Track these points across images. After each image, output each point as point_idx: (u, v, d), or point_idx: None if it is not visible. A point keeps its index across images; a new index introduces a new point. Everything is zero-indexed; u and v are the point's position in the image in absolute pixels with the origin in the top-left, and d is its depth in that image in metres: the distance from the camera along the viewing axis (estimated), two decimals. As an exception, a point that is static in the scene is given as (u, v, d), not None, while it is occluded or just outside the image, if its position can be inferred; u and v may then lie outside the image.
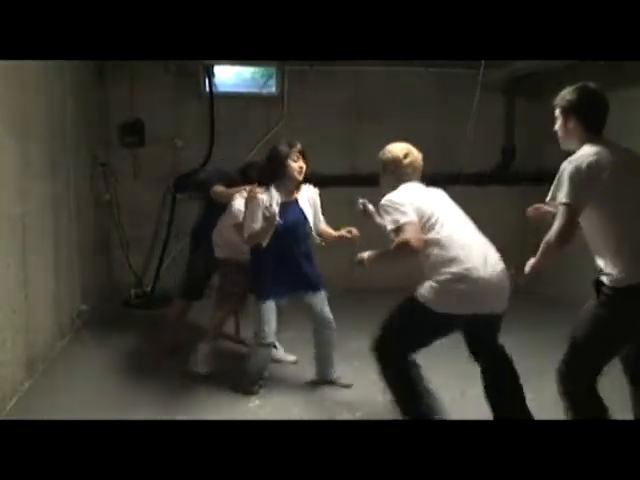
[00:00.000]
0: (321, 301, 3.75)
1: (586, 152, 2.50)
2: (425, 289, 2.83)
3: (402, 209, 2.86)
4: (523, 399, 3.01)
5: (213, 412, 3.43)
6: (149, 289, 6.01)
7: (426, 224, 2.87)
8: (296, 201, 3.63)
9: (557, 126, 2.78)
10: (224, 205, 4.04)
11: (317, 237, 3.72)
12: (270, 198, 3.47)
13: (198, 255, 4.33)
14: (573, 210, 2.44)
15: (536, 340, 4.74)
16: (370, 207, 3.36)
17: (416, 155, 3.21)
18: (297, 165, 3.50)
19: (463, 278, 2.77)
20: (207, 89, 6.20)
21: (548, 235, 2.55)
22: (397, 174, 3.16)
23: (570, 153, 2.65)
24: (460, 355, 4.48)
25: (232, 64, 6.33)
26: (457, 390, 3.79)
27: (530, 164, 6.63)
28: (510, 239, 6.82)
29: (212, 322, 4.16)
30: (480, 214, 7.21)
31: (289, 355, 4.33)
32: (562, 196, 2.46)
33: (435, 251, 2.83)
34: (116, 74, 5.99)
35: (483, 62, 4.64)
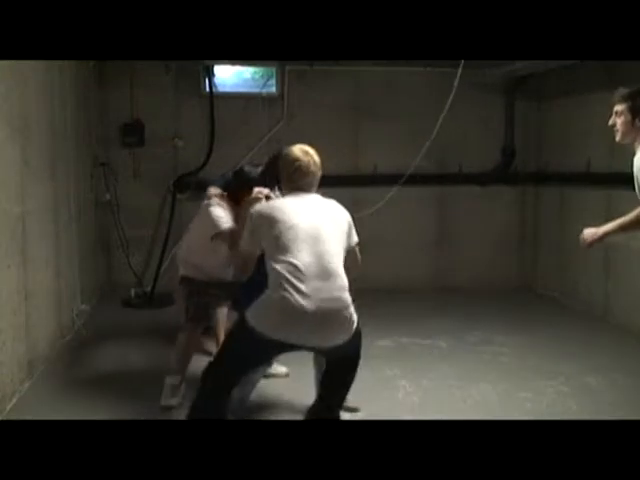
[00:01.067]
0: None
1: None
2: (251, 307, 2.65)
3: (249, 227, 2.71)
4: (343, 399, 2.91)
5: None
6: (149, 289, 6.01)
7: (273, 242, 2.61)
8: None
9: (620, 121, 2.95)
10: None
11: None
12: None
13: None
14: None
15: (536, 340, 4.73)
16: None
17: (306, 160, 2.77)
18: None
19: (278, 303, 2.52)
20: (207, 89, 6.21)
21: None
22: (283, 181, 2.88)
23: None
24: (460, 355, 4.50)
25: (232, 64, 6.33)
26: (457, 390, 3.79)
27: (530, 164, 6.64)
28: (510, 239, 6.86)
29: (177, 353, 3.70)
30: (480, 214, 7.25)
31: (280, 367, 3.87)
32: None
33: (271, 269, 2.59)
34: (116, 74, 6.00)
35: (462, 62, 4.61)
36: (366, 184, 6.22)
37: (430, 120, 6.53)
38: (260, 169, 3.56)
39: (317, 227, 2.63)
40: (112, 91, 6.09)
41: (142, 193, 6.18)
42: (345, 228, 2.75)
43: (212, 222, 3.45)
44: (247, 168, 3.62)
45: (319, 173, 2.80)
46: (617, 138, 3.02)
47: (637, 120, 2.88)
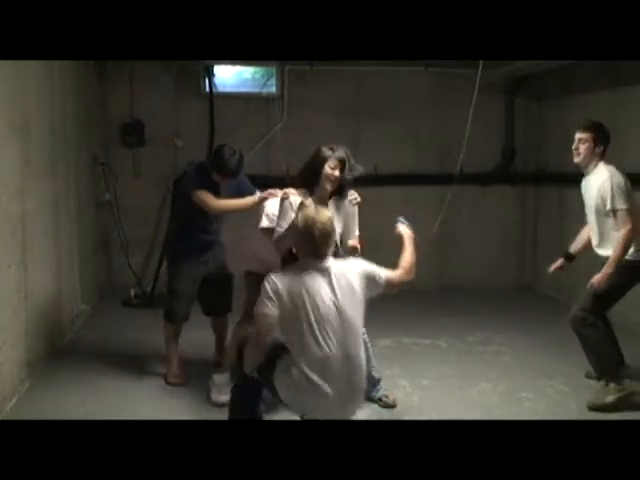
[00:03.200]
0: None
1: (613, 170, 3.55)
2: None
3: (264, 300, 2.61)
4: None
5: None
6: (149, 289, 6.01)
7: (289, 319, 2.58)
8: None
9: (583, 147, 3.58)
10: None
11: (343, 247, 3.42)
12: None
13: (186, 270, 3.85)
14: (630, 211, 3.43)
15: (536, 340, 4.73)
16: (403, 227, 3.12)
17: (320, 227, 2.64)
18: (332, 173, 3.26)
19: (304, 398, 2.57)
20: (207, 89, 6.21)
21: (621, 239, 3.44)
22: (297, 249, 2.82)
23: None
24: (460, 355, 4.50)
25: (232, 64, 6.34)
26: (457, 390, 3.79)
27: (530, 164, 6.64)
28: (509, 238, 6.86)
29: (230, 349, 3.68)
30: (480, 214, 7.25)
31: None
32: (621, 204, 3.44)
33: (294, 360, 2.57)
34: (116, 74, 6.00)
35: (481, 63, 4.64)
36: (366, 184, 6.21)
37: (430, 120, 6.56)
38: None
39: (339, 310, 2.59)
40: (112, 91, 6.09)
41: (142, 193, 6.17)
42: (361, 297, 2.69)
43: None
44: (227, 154, 3.66)
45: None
46: (576, 160, 3.63)
47: (597, 148, 3.56)
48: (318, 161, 3.28)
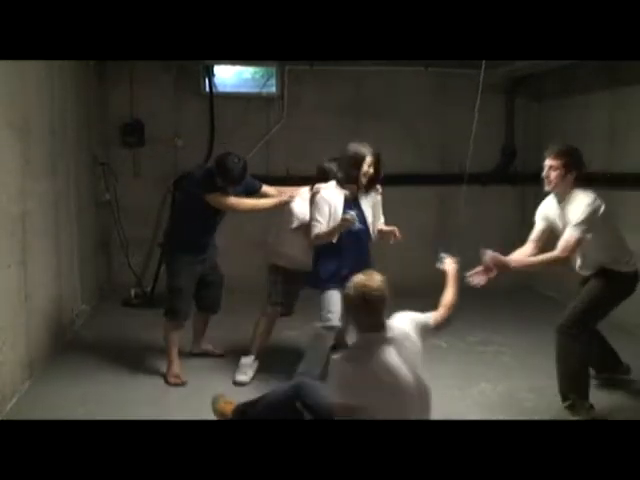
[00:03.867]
0: None
1: (593, 196, 3.35)
2: None
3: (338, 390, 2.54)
4: None
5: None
6: (149, 289, 6.01)
7: (368, 402, 2.49)
8: (357, 203, 3.64)
9: (554, 175, 3.38)
10: (220, 212, 3.95)
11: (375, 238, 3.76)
12: (336, 196, 3.56)
13: (186, 268, 3.92)
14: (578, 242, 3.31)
15: (536, 340, 4.73)
16: (447, 263, 3.18)
17: (374, 294, 2.53)
18: (368, 170, 3.56)
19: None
20: (207, 89, 6.21)
21: (547, 257, 3.41)
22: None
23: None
24: (460, 355, 4.50)
25: (232, 64, 6.33)
26: (457, 390, 3.79)
27: (530, 164, 6.63)
28: (510, 239, 6.85)
29: (254, 333, 4.09)
30: (480, 214, 7.25)
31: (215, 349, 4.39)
32: (578, 230, 3.28)
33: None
34: (116, 74, 5.99)
35: (484, 63, 4.64)
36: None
37: (430, 120, 6.55)
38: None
39: (413, 375, 2.54)
40: (112, 91, 6.09)
41: (142, 193, 6.17)
42: (420, 349, 2.67)
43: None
44: (231, 163, 3.77)
45: None
46: (547, 188, 3.44)
47: (568, 175, 3.37)
48: (357, 159, 3.55)
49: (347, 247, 3.56)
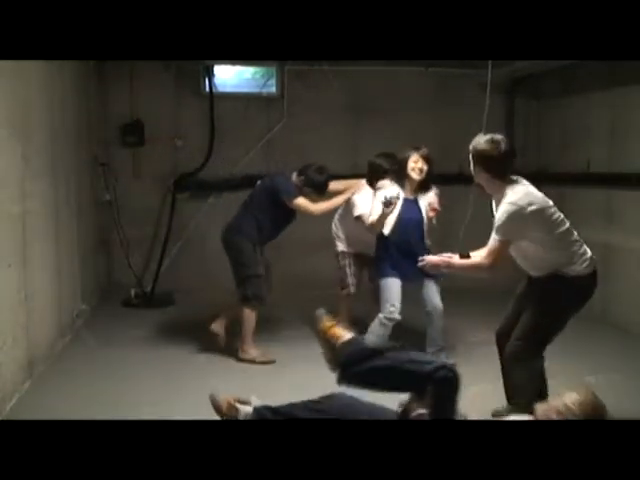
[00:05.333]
0: (430, 290, 4.11)
1: (517, 197, 3.03)
2: None
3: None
4: None
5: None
6: (149, 289, 6.01)
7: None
8: (415, 200, 4.09)
9: (478, 179, 3.18)
10: (291, 211, 4.38)
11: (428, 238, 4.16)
12: (392, 191, 3.92)
13: (258, 257, 4.33)
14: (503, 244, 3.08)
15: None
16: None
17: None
18: (416, 166, 4.02)
19: None
20: (207, 89, 6.21)
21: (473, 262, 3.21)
22: None
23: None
24: (460, 355, 4.49)
25: (232, 64, 6.34)
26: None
27: (530, 164, 6.63)
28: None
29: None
30: (480, 213, 7.22)
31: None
32: (499, 234, 3.04)
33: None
34: (116, 74, 6.00)
35: (490, 63, 4.66)
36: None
37: (430, 120, 6.55)
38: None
39: None
40: (112, 91, 6.09)
41: (142, 193, 6.18)
42: None
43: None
44: (318, 174, 4.34)
45: None
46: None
47: (483, 174, 3.13)
48: (402, 160, 4.05)
49: (402, 239, 4.03)
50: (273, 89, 6.42)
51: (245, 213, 4.41)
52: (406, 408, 2.58)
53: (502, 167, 3.07)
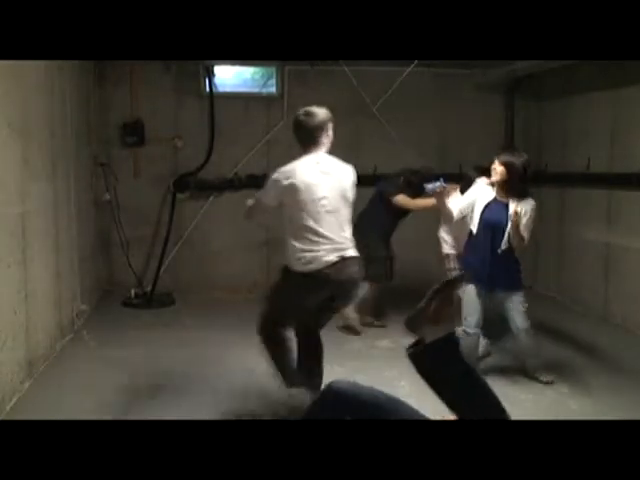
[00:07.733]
0: (514, 301, 3.87)
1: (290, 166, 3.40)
2: None
3: None
4: None
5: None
6: (149, 289, 6.01)
7: None
8: (505, 204, 3.84)
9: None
10: (401, 209, 5.01)
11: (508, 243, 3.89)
12: (485, 194, 3.91)
13: (375, 239, 4.96)
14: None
15: (536, 340, 4.73)
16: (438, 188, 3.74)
17: None
18: (493, 170, 3.90)
19: None
20: (207, 89, 6.21)
21: None
22: None
23: None
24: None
25: (232, 64, 6.34)
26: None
27: (530, 164, 6.64)
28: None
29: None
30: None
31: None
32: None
33: None
34: (116, 74, 6.00)
35: (494, 62, 4.69)
36: (366, 184, 6.22)
37: (430, 120, 6.56)
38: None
39: None
40: (112, 91, 6.09)
41: (142, 193, 6.18)
42: None
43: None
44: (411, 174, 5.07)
45: None
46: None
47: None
48: (489, 165, 3.99)
49: (479, 245, 3.92)
50: (273, 89, 6.42)
51: (370, 207, 5.07)
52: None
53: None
